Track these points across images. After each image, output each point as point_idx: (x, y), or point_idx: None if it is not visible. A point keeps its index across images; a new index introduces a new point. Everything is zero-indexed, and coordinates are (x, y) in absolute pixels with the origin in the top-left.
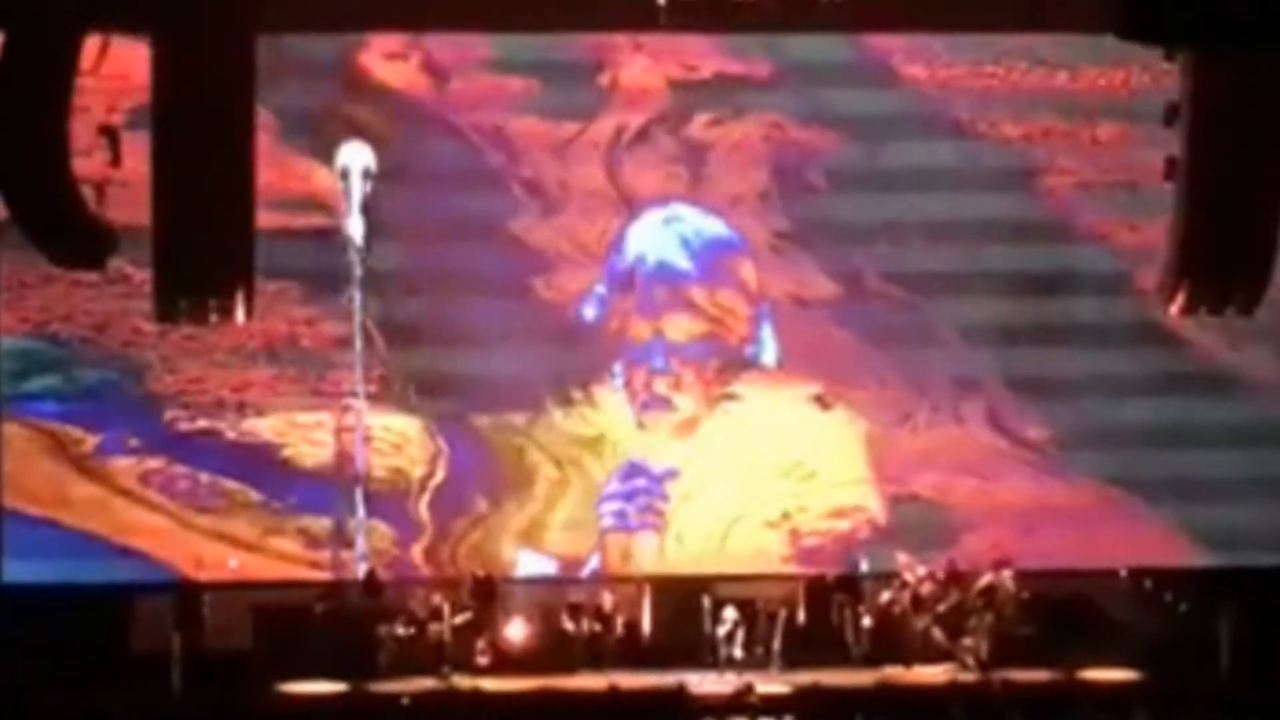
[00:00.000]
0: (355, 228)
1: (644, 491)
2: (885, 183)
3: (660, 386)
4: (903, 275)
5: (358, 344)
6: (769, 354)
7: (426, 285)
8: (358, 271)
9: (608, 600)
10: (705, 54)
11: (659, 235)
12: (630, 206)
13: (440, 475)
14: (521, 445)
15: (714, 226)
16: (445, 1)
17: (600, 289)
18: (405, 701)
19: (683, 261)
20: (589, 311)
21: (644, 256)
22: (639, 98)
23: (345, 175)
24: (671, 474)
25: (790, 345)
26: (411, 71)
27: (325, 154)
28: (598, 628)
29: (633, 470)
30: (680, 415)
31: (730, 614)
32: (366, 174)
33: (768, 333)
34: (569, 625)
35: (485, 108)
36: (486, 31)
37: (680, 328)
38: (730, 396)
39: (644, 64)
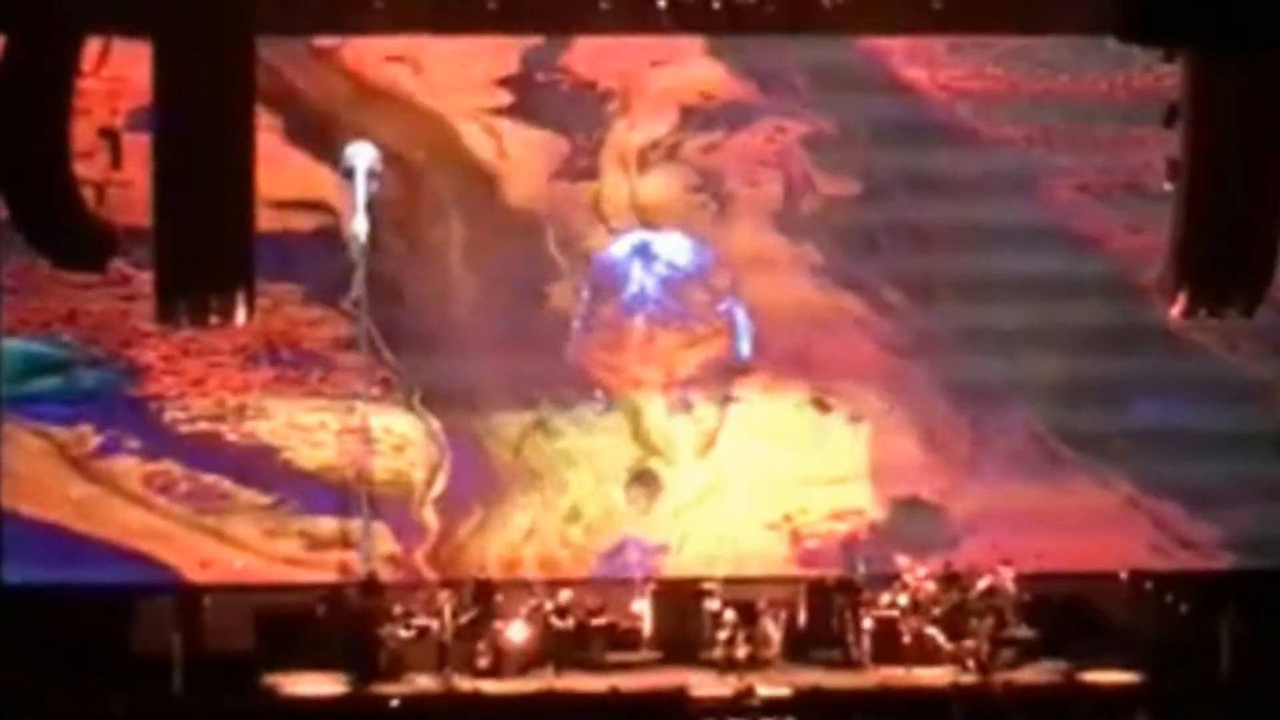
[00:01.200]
0: (359, 229)
1: (637, 566)
2: (888, 189)
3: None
4: (903, 279)
5: (361, 346)
6: (745, 347)
7: (429, 290)
8: (361, 273)
9: (608, 602)
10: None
11: (631, 265)
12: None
13: (442, 478)
14: (523, 449)
15: (680, 248)
16: (442, 5)
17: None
18: (394, 704)
19: (661, 292)
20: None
21: (622, 288)
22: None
23: (349, 175)
24: (664, 548)
25: (792, 349)
26: (410, 75)
27: (327, 155)
28: (598, 630)
29: (625, 546)
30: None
31: (731, 616)
32: (371, 174)
33: (743, 326)
34: (569, 627)
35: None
36: (485, 34)
37: (678, 360)
38: (731, 399)
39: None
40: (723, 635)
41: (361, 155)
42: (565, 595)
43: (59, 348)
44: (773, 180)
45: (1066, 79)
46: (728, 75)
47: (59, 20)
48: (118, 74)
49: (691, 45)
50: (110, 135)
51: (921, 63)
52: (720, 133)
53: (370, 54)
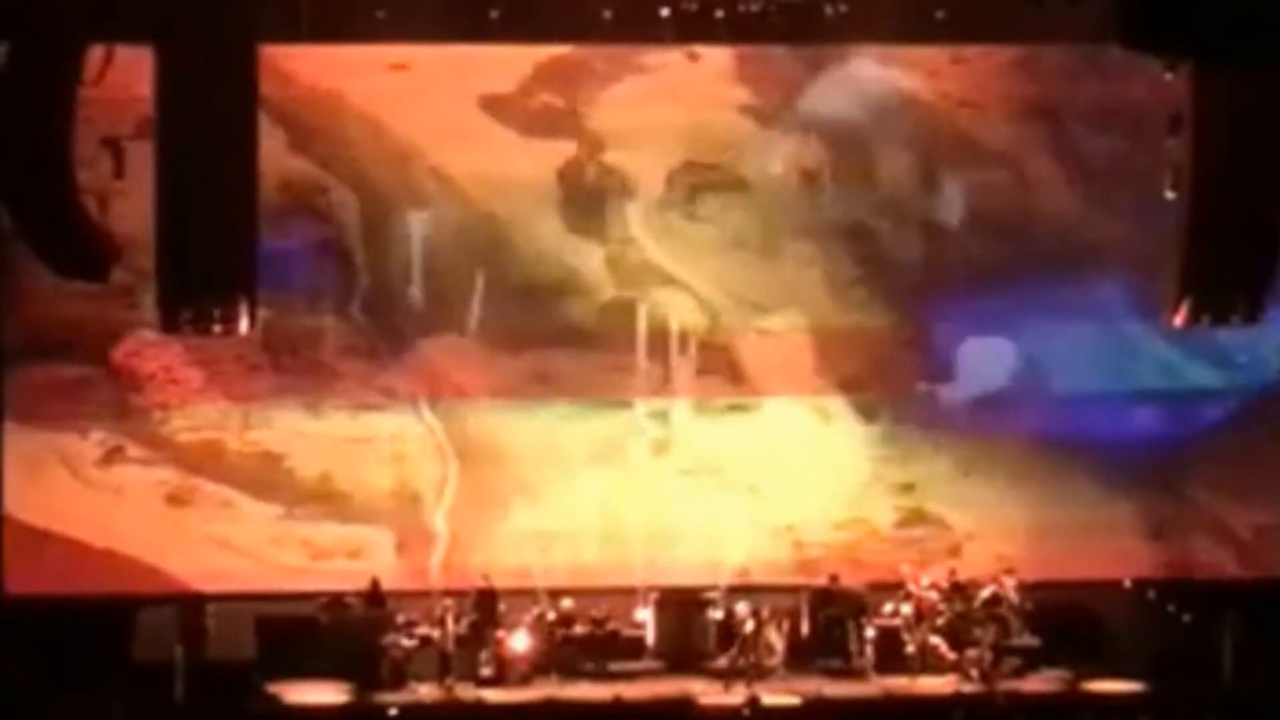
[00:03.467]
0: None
1: None
2: (893, 201)
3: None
4: (906, 288)
5: (364, 353)
6: None
7: (433, 296)
8: (363, 281)
9: (612, 611)
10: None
11: None
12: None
13: (446, 485)
14: (530, 454)
15: None
16: (445, 14)
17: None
18: (393, 712)
19: None
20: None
21: None
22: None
23: None
24: None
25: (796, 360)
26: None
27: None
28: (601, 638)
29: None
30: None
31: (733, 622)
32: None
33: None
34: (572, 636)
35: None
36: (486, 44)
37: None
38: (737, 408)
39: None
40: (727, 643)
41: None
42: (568, 604)
43: (63, 356)
44: (778, 197)
45: (1068, 88)
46: (727, 101)
47: (61, 29)
48: (120, 83)
49: (692, 71)
50: (113, 144)
51: (923, 73)
52: (727, 164)
53: (372, 62)
